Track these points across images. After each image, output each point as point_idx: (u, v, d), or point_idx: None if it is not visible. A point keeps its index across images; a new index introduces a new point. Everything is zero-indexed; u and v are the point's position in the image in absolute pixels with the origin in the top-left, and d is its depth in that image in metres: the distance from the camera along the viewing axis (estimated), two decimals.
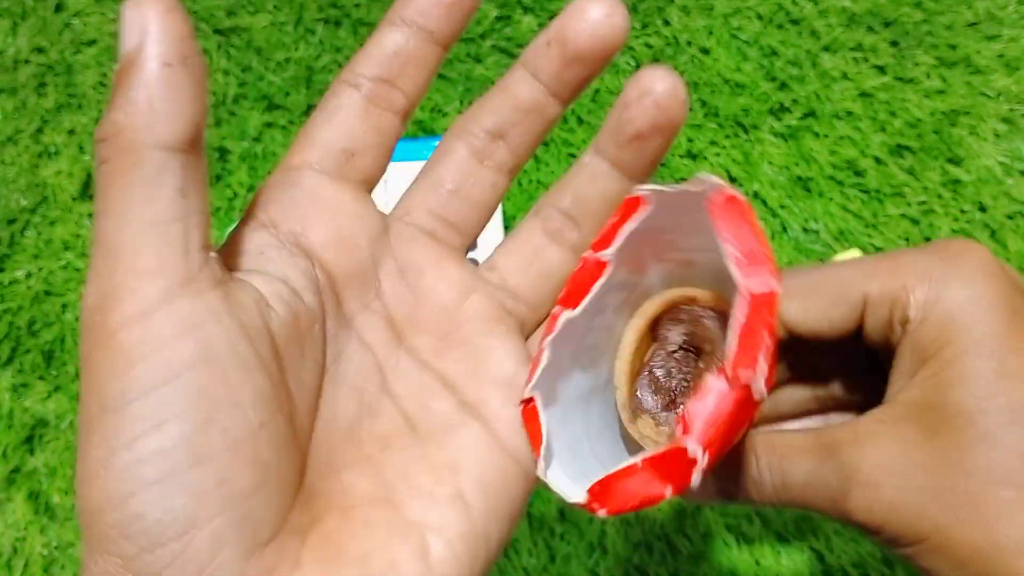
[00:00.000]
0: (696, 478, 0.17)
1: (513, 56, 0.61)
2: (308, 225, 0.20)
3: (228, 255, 0.19)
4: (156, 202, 0.15)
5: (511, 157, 0.23)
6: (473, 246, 0.54)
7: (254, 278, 0.18)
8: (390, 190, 0.56)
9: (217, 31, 0.63)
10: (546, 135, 0.22)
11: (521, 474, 0.20)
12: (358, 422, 0.20)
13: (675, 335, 0.23)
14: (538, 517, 0.51)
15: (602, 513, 0.19)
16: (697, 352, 0.23)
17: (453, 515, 0.18)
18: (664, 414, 0.23)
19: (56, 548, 0.50)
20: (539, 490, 0.52)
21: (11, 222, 0.57)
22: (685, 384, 0.23)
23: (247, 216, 0.20)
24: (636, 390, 0.23)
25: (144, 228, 0.15)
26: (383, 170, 0.23)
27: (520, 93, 0.22)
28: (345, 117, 0.21)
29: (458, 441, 0.20)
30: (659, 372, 0.23)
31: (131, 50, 0.16)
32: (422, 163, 0.63)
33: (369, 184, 0.22)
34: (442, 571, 0.18)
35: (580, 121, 0.59)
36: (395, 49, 0.20)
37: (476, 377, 0.21)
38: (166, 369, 0.16)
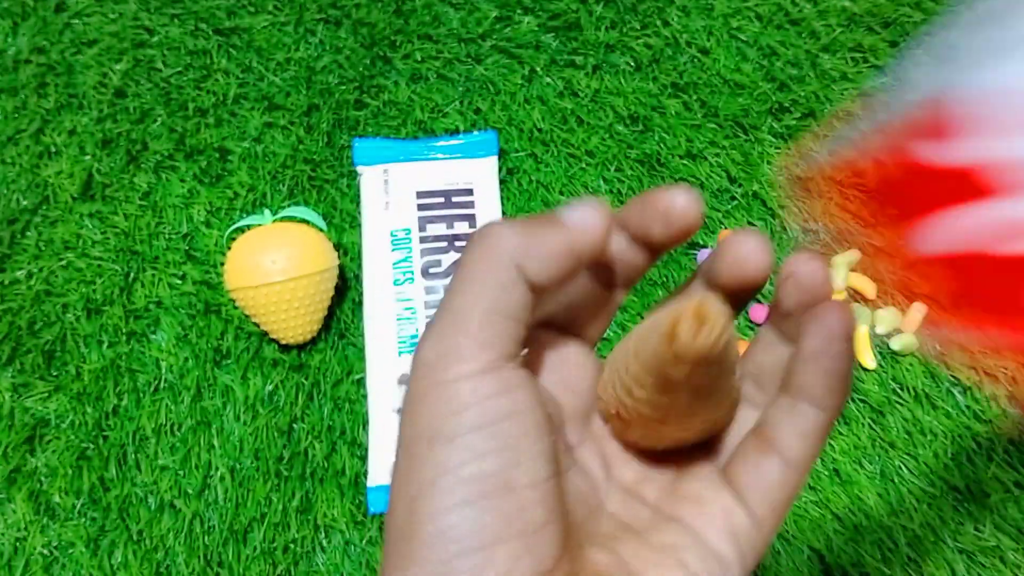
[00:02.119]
0: None
1: (513, 56, 0.62)
2: (541, 368, 0.24)
3: None
4: (505, 300, 0.21)
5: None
6: None
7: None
8: (390, 190, 0.56)
9: (218, 31, 0.63)
10: None
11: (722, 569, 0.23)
12: (586, 520, 0.23)
13: None
14: None
15: None
16: None
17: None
18: None
19: (56, 548, 0.50)
20: None
21: (12, 222, 0.57)
22: None
23: None
24: None
25: (490, 312, 0.20)
26: (604, 330, 0.26)
27: None
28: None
29: (667, 534, 0.23)
30: None
31: (574, 220, 0.22)
32: (422, 163, 0.63)
33: (592, 340, 0.26)
34: None
35: (580, 121, 0.60)
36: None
37: (672, 496, 0.24)
38: (489, 416, 0.20)
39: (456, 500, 0.19)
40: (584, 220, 0.22)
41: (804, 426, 0.23)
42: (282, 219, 0.53)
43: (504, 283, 0.21)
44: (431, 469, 0.20)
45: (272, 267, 0.50)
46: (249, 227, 0.53)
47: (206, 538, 0.50)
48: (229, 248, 0.54)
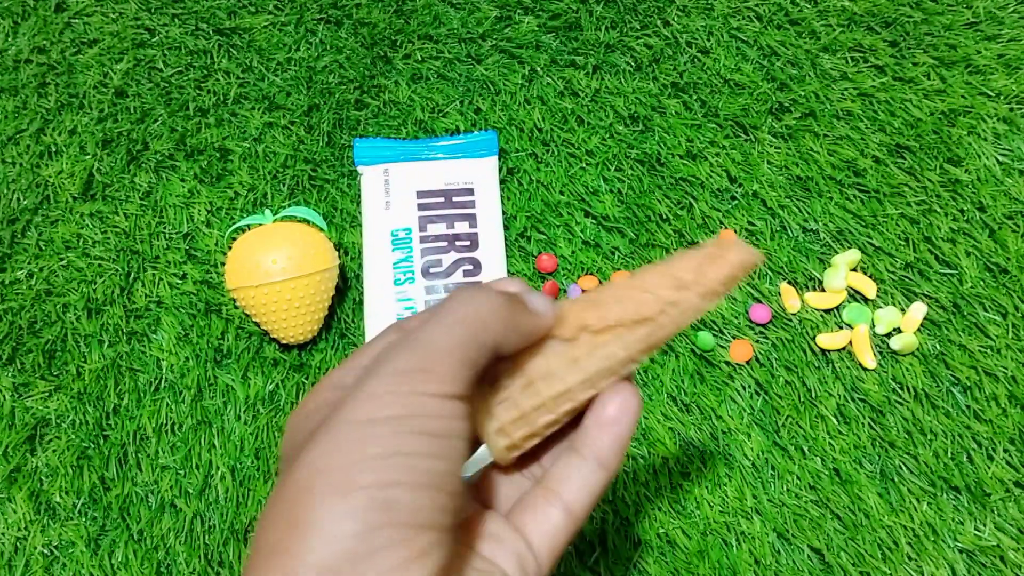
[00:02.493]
0: None
1: (513, 56, 0.62)
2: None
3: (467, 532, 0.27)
4: (476, 359, 0.25)
5: None
6: (475, 246, 0.54)
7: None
8: (391, 190, 0.56)
9: (218, 31, 0.63)
10: None
11: None
12: None
13: None
14: None
15: None
16: None
17: None
18: None
19: (57, 548, 0.50)
20: None
21: (12, 222, 0.57)
22: None
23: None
24: None
25: (463, 360, 0.24)
26: None
27: None
28: None
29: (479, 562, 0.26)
30: None
31: (541, 310, 0.28)
32: (422, 163, 0.63)
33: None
34: None
35: (580, 121, 0.60)
36: None
37: (469, 534, 0.27)
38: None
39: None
40: (547, 311, 0.27)
41: (590, 482, 0.27)
42: (283, 219, 0.53)
43: (481, 348, 0.24)
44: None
45: (273, 267, 0.50)
46: (250, 227, 0.53)
47: (207, 538, 0.50)
48: (230, 248, 0.54)
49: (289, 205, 0.57)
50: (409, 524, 0.21)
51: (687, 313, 0.27)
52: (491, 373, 0.28)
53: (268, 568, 0.20)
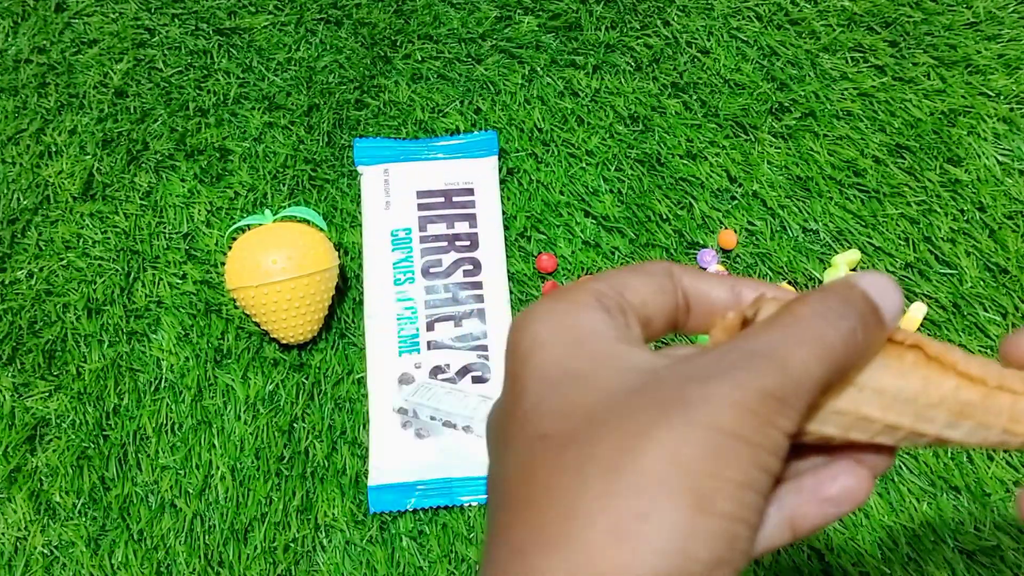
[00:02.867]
0: None
1: (513, 56, 0.62)
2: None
3: None
4: None
5: None
6: (475, 246, 0.54)
7: None
8: (391, 190, 0.56)
9: (218, 31, 0.63)
10: None
11: None
12: None
13: None
14: None
15: None
16: None
17: None
18: None
19: (57, 547, 0.50)
20: None
21: (12, 222, 0.57)
22: None
23: None
24: None
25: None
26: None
27: None
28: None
29: None
30: None
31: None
32: (422, 163, 0.63)
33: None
34: None
35: (580, 121, 0.60)
36: None
37: None
38: None
39: None
40: (895, 318, 0.22)
41: (774, 538, 0.23)
42: (283, 219, 0.53)
43: (835, 380, 0.22)
44: None
45: (273, 267, 0.50)
46: (250, 227, 0.53)
47: (207, 537, 0.50)
48: (230, 248, 0.54)
49: (289, 205, 0.57)
50: (734, 567, 0.18)
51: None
52: None
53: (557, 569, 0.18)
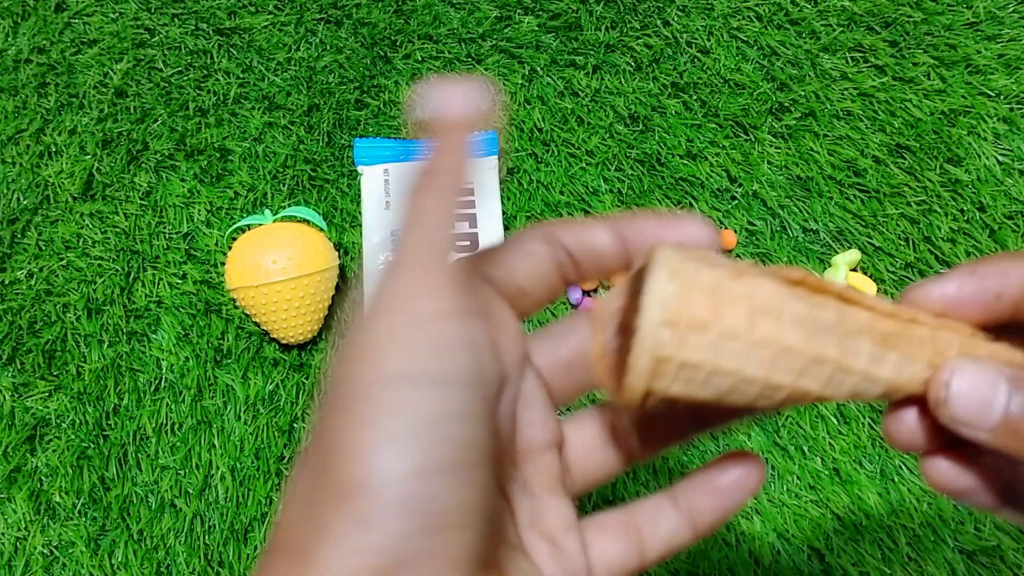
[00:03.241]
0: None
1: (513, 56, 0.62)
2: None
3: None
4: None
5: None
6: (475, 246, 0.54)
7: None
8: (391, 190, 0.56)
9: (218, 31, 0.63)
10: None
11: None
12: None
13: None
14: None
15: None
16: None
17: None
18: None
19: (57, 548, 0.50)
20: None
21: (12, 222, 0.57)
22: None
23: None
24: None
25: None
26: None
27: None
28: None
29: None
30: None
31: None
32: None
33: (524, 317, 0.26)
34: None
35: (580, 121, 0.60)
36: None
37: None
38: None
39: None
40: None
41: (675, 538, 0.25)
42: (282, 219, 0.53)
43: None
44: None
45: (273, 267, 0.50)
46: (250, 227, 0.53)
47: (207, 537, 0.50)
48: (230, 248, 0.54)
49: (289, 205, 0.57)
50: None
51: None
52: None
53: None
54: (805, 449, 0.51)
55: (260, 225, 0.52)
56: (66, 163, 0.59)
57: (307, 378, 0.53)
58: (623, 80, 0.61)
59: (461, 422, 0.19)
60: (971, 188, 0.57)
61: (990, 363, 0.20)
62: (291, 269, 0.50)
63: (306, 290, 0.51)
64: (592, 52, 0.62)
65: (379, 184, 0.56)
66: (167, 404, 0.53)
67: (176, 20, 0.63)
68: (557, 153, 0.59)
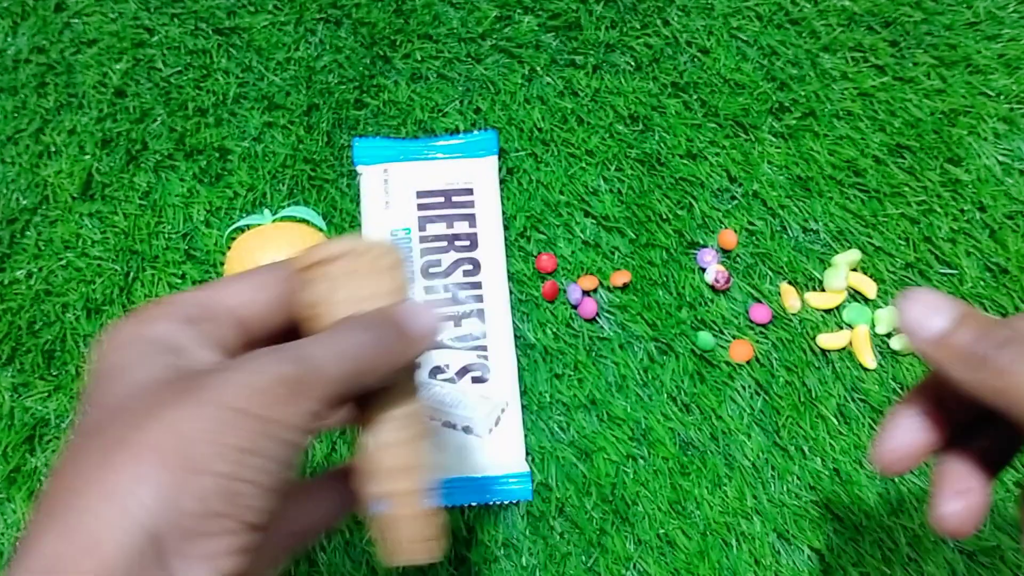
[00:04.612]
0: None
1: (513, 56, 0.61)
2: None
3: None
4: None
5: None
6: (474, 246, 0.54)
7: None
8: (390, 190, 0.56)
9: (217, 31, 0.63)
10: None
11: None
12: None
13: None
14: (537, 516, 0.51)
15: None
16: None
17: None
18: None
19: None
20: (539, 489, 0.52)
21: (11, 222, 0.57)
22: None
23: None
24: None
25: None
26: None
27: None
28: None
29: None
30: None
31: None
32: (422, 163, 0.63)
33: None
34: None
35: (580, 121, 0.59)
36: None
37: None
38: None
39: None
40: (431, 333, 0.28)
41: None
42: (282, 219, 0.53)
43: (359, 388, 0.26)
44: None
45: None
46: (249, 227, 0.53)
47: None
48: (229, 248, 0.54)
49: (288, 205, 0.57)
50: (245, 521, 0.21)
51: None
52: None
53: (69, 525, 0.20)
54: (805, 449, 0.51)
55: (259, 225, 0.52)
56: (65, 163, 0.59)
57: None
58: (623, 80, 0.61)
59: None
60: (971, 188, 0.57)
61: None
62: None
63: None
64: (592, 52, 0.61)
65: (379, 184, 0.56)
66: None
67: (175, 20, 0.63)
68: (557, 153, 0.59)
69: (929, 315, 0.25)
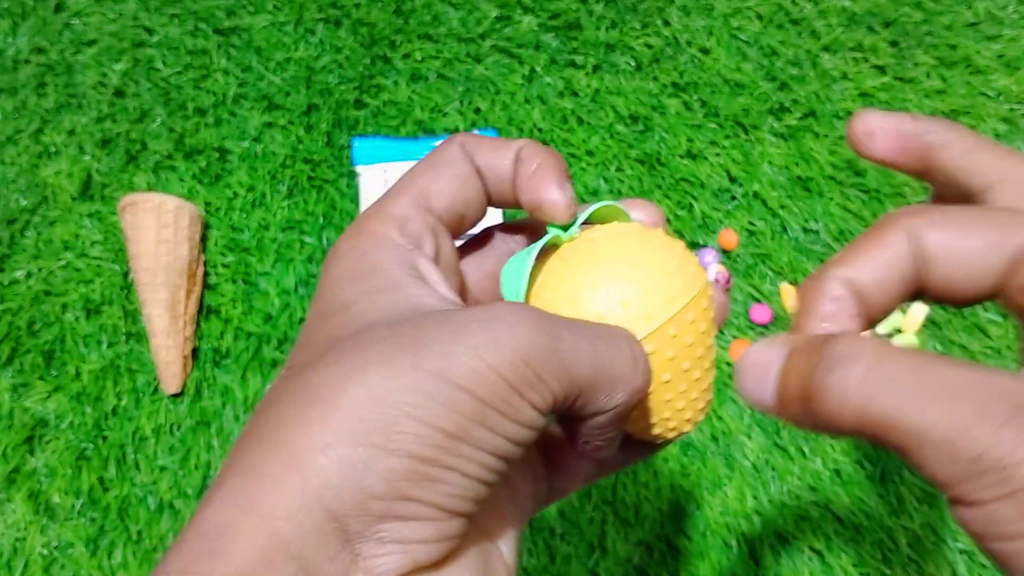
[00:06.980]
0: None
1: (513, 56, 0.61)
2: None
3: None
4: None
5: None
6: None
7: None
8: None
9: (217, 31, 0.63)
10: None
11: None
12: None
13: None
14: (537, 517, 0.51)
15: None
16: None
17: None
18: None
19: (56, 548, 0.50)
20: None
21: (11, 222, 0.57)
22: None
23: None
24: None
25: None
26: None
27: None
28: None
29: None
30: None
31: None
32: None
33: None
34: None
35: (580, 121, 0.59)
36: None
37: None
38: None
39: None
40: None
41: None
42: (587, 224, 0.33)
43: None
44: None
45: (612, 312, 0.29)
46: (549, 245, 0.39)
47: None
48: (530, 289, 0.39)
49: (288, 205, 0.57)
50: (444, 509, 0.18)
51: None
52: None
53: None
54: (805, 450, 0.51)
55: (565, 239, 0.31)
56: (65, 163, 0.59)
57: None
58: (623, 80, 0.61)
59: None
60: None
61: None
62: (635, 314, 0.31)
63: (692, 329, 0.38)
64: (592, 52, 0.61)
65: (378, 184, 0.56)
66: (166, 405, 0.53)
67: (175, 20, 0.63)
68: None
69: (759, 389, 0.20)
